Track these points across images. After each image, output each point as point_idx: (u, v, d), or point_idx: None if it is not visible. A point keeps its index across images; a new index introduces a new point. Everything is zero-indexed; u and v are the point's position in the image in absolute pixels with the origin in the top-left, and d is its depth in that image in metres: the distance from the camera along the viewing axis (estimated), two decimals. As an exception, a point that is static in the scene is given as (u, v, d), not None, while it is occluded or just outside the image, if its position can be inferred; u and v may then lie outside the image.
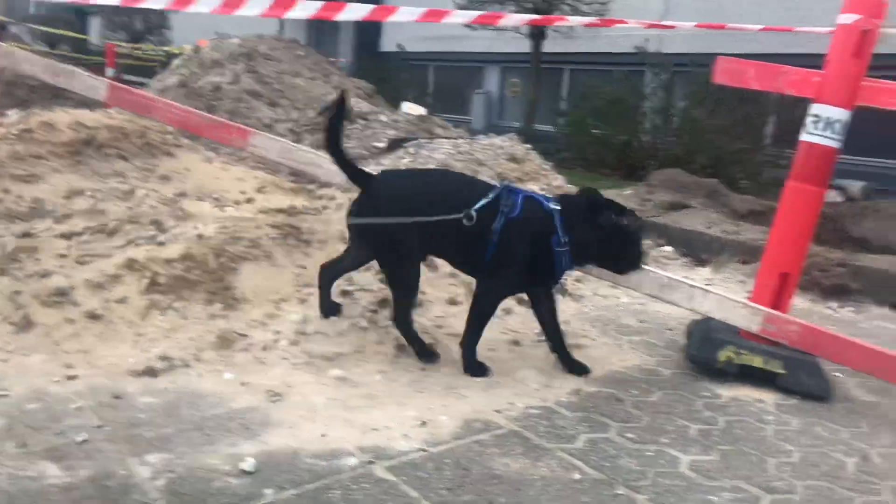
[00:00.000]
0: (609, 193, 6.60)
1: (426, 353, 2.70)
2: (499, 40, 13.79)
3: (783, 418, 2.53)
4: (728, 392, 2.71)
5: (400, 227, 2.56)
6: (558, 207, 2.62)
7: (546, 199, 2.68)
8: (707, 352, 2.83)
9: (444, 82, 16.11)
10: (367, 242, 2.70)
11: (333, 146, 2.66)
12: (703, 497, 1.98)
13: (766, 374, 2.76)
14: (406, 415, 2.26)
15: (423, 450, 2.08)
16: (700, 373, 2.84)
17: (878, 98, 2.96)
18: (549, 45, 11.83)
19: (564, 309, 3.56)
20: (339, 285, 3.05)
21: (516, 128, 10.41)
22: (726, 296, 2.98)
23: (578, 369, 2.75)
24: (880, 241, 6.34)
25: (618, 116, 8.68)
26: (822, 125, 2.89)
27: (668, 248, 5.11)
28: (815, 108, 2.90)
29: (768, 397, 2.69)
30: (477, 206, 2.53)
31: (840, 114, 2.87)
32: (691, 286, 3.01)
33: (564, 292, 2.62)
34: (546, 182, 5.12)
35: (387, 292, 3.10)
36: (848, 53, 2.86)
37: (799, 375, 2.73)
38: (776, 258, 2.95)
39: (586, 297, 3.80)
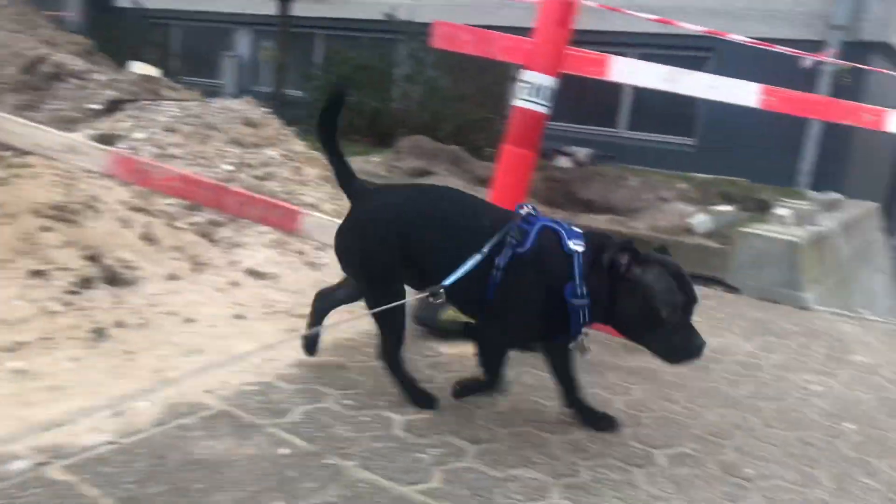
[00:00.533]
0: (357, 160, 6.61)
1: (423, 398, 2.29)
2: (248, 1, 13.16)
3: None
4: (450, 350, 2.79)
5: (384, 253, 2.15)
6: (581, 248, 2.06)
7: (571, 233, 2.10)
8: (431, 312, 2.88)
9: (192, 43, 15.07)
10: (348, 267, 2.30)
11: (329, 145, 2.24)
12: (412, 455, 1.99)
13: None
14: (98, 405, 2.02)
15: (114, 442, 1.87)
16: (426, 333, 2.89)
17: (581, 66, 3.19)
18: (300, 9, 11.50)
19: (300, 279, 3.47)
20: (28, 265, 2.67)
21: (268, 93, 10.03)
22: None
23: (605, 424, 2.31)
24: (603, 203, 7.02)
25: (367, 83, 8.68)
26: (532, 91, 3.03)
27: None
28: (525, 75, 3.04)
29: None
30: (448, 280, 2.03)
31: (547, 80, 3.03)
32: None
33: (585, 350, 2.10)
34: (287, 147, 4.95)
35: (90, 270, 2.79)
36: (552, 22, 3.02)
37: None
38: (494, 218, 3.07)
39: (327, 266, 3.73)
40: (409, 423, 2.16)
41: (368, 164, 6.43)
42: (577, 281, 2.02)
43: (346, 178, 2.25)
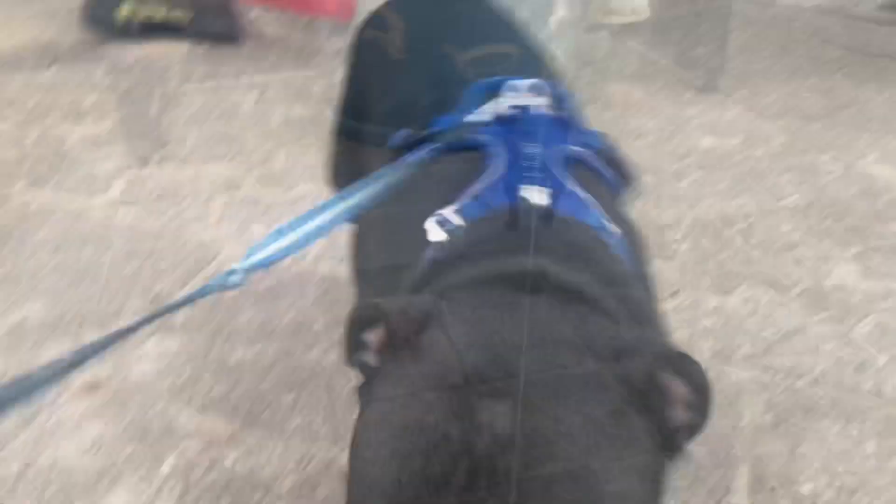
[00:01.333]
0: None
1: None
2: None
3: (189, 69, 2.44)
4: (134, 52, 2.50)
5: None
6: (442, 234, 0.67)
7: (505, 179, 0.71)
8: (104, 11, 2.52)
9: None
10: None
11: None
12: (88, 168, 1.85)
13: (172, 25, 2.59)
14: None
15: None
16: (103, 36, 2.55)
17: None
18: None
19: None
20: None
21: None
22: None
23: None
24: None
25: None
26: None
27: None
28: None
29: (178, 51, 2.55)
30: None
31: None
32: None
33: None
34: None
35: None
36: None
37: (206, 20, 2.62)
38: None
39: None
40: (85, 137, 1.98)
41: None
42: None
43: None
